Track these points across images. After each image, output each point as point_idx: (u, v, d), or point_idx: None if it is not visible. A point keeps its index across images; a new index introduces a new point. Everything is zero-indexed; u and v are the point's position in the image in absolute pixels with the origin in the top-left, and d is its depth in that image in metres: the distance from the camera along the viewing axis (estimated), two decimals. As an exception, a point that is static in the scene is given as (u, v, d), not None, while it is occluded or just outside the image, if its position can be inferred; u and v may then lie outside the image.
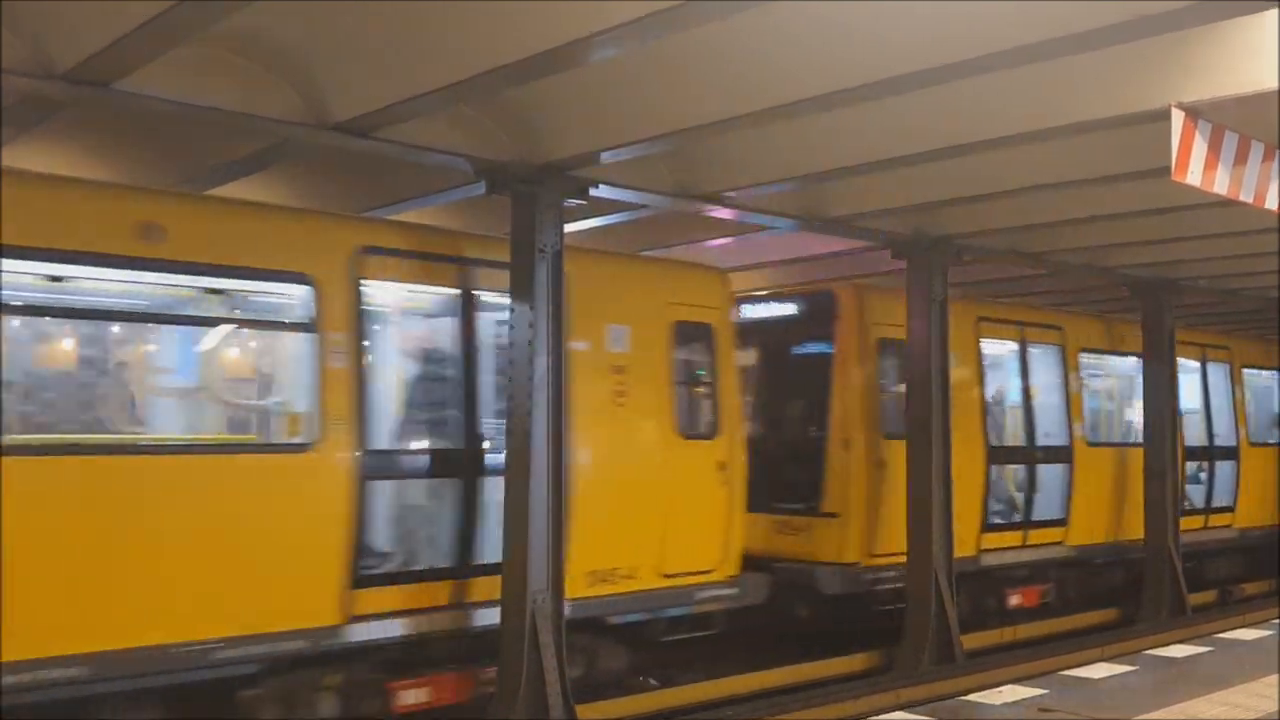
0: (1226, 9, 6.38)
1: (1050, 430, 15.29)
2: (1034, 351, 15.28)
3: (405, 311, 10.17)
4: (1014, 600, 14.55)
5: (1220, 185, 7.28)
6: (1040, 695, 8.08)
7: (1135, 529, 15.88)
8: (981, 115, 8.16)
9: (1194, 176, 7.10)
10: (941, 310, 12.59)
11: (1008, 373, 15.24)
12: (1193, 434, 17.74)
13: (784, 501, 13.27)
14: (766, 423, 13.83)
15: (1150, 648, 10.65)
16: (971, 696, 8.58)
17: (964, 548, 13.14)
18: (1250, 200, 7.60)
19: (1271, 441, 20.07)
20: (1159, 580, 15.37)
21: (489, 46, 6.88)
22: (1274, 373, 20.65)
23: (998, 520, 14.35)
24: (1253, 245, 12.40)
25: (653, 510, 10.39)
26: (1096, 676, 8.80)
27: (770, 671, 11.89)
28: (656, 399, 10.64)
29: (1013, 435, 15.05)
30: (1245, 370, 19.37)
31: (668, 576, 10.55)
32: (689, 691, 11.21)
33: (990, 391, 14.61)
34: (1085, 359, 16.20)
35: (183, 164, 9.87)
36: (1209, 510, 18.10)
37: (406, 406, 10.06)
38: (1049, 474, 15.11)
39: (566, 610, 9.27)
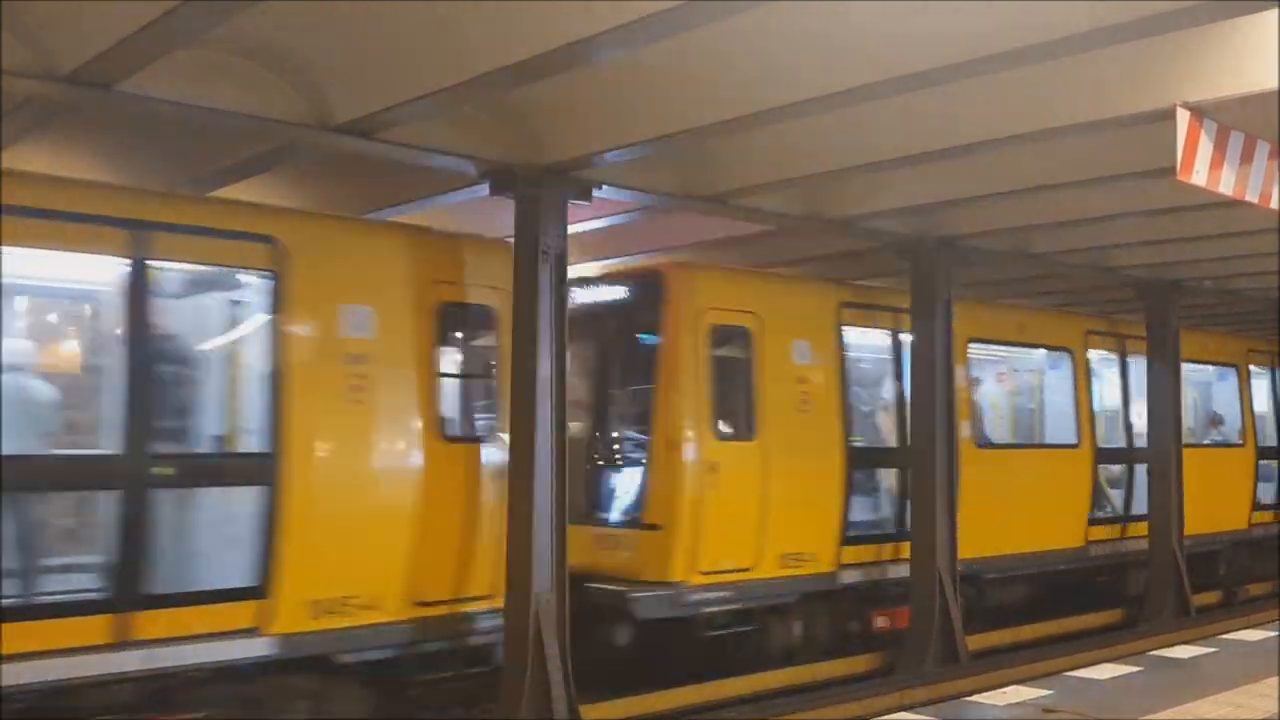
0: (1229, 9, 6.36)
1: None
2: (910, 340, 13.40)
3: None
4: (880, 622, 12.86)
5: (1226, 185, 7.26)
6: (1044, 696, 8.06)
7: (1045, 538, 14.54)
8: (986, 115, 8.14)
9: (1199, 176, 7.08)
10: (946, 311, 12.58)
11: (876, 365, 13.66)
12: (1115, 435, 16.29)
13: (606, 511, 11.75)
14: (590, 422, 12.30)
15: (1154, 648, 10.64)
16: (976, 697, 8.58)
17: (819, 563, 12.03)
18: (1256, 200, 7.58)
19: (1208, 442, 18.42)
20: (1163, 581, 15.33)
21: (492, 47, 6.87)
22: (1210, 367, 18.80)
23: (862, 532, 12.68)
24: (1257, 245, 12.38)
25: (403, 526, 8.91)
26: (1101, 677, 8.80)
27: (774, 673, 11.85)
28: (410, 394, 9.14)
29: (881, 436, 13.45)
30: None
31: (425, 605, 9.08)
32: (693, 692, 11.17)
33: (854, 387, 13.07)
34: (977, 350, 14.48)
35: (186, 167, 9.86)
36: (1128, 518, 16.10)
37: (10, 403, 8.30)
38: None
39: (271, 649, 8.26)
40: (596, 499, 11.84)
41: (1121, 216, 11.39)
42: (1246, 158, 7.41)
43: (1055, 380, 16.09)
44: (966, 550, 12.99)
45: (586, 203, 9.60)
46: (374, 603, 8.78)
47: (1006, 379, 16.33)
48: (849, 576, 12.39)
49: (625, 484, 11.73)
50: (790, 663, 12.04)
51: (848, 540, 12.34)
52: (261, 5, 6.29)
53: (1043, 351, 15.87)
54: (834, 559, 12.24)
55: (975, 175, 9.99)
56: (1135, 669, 9.13)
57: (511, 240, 9.49)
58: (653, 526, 11.00)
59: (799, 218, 11.30)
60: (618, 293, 12.17)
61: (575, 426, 11.97)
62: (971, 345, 14.17)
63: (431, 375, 9.36)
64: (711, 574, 11.10)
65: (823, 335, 12.44)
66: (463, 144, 8.83)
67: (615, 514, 11.67)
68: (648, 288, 11.48)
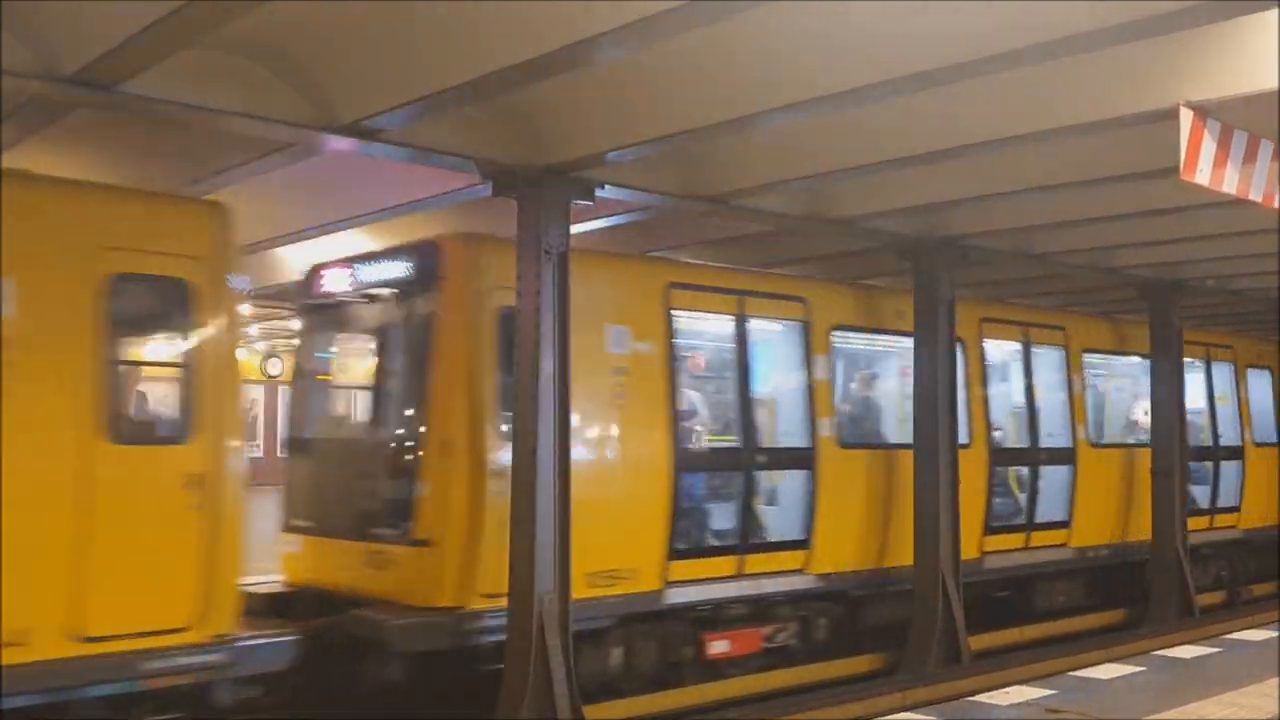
0: (1230, 9, 6.36)
1: (788, 428, 12.24)
2: (759, 327, 11.89)
3: None
4: (717, 648, 11.22)
5: (1229, 184, 7.26)
6: (1048, 696, 8.07)
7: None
8: (987, 116, 8.14)
9: (1203, 176, 7.08)
10: (949, 312, 12.56)
11: (715, 355, 12.15)
12: (1017, 434, 14.87)
13: (375, 525, 10.02)
14: (362, 420, 10.96)
15: (1158, 648, 10.65)
16: (979, 697, 8.59)
17: (639, 581, 10.42)
18: (1260, 200, 7.58)
19: (1130, 442, 16.78)
20: (1166, 581, 15.34)
21: (495, 48, 6.88)
22: (1131, 359, 16.95)
23: (695, 544, 11.17)
24: (1259, 245, 12.37)
25: (56, 546, 7.46)
26: (1104, 677, 8.81)
27: (776, 673, 11.85)
28: (65, 386, 7.60)
29: (720, 434, 11.96)
30: (1088, 356, 15.99)
31: (93, 640, 7.58)
32: (696, 692, 11.16)
33: (687, 378, 11.61)
34: (843, 339, 12.83)
35: (188, 167, 9.87)
36: (1032, 526, 14.53)
37: None
38: (786, 483, 12.08)
39: None
40: (366, 509, 10.21)
41: (1123, 217, 11.38)
42: (1250, 157, 7.41)
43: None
44: (828, 564, 11.92)
45: (589, 203, 9.60)
46: (18, 639, 7.26)
47: (880, 371, 14.14)
48: (679, 595, 10.78)
49: (396, 491, 9.99)
50: (611, 696, 10.40)
51: (677, 554, 10.75)
52: (264, 6, 6.29)
53: None
54: (659, 576, 10.64)
55: (977, 175, 9.99)
56: (1138, 669, 9.14)
57: (220, 200, 8.80)
58: (421, 542, 9.40)
59: (800, 218, 11.30)
60: (393, 270, 10.48)
61: (347, 426, 11.22)
62: (836, 334, 12.62)
63: (97, 363, 7.76)
64: (496, 596, 9.30)
65: (647, 321, 10.82)
66: (465, 144, 8.83)
67: (384, 527, 9.97)
68: (424, 264, 9.83)
